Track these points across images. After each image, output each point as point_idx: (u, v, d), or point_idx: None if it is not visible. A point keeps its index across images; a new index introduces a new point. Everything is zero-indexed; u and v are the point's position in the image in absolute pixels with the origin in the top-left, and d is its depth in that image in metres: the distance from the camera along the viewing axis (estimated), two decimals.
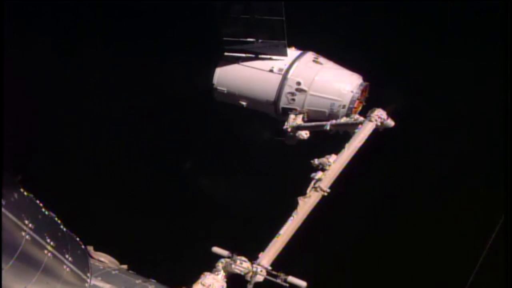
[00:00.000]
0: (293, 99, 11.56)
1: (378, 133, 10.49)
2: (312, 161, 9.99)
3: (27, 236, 6.83)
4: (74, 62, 14.08)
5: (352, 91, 11.35)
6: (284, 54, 11.74)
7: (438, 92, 13.48)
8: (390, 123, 10.55)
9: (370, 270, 13.84)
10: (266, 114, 12.13)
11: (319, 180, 9.55)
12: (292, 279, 8.24)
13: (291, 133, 11.72)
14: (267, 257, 8.62)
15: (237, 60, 11.99)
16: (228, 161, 15.06)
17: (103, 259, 9.84)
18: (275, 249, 8.77)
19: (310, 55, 11.90)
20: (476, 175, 13.23)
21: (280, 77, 11.62)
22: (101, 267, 9.36)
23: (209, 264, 8.69)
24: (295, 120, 11.65)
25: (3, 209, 6.44)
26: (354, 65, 11.78)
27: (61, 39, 13.98)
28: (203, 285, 8.38)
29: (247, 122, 13.21)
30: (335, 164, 9.77)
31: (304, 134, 11.59)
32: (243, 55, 11.92)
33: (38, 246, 7.13)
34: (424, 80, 13.57)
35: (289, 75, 11.57)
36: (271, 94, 11.71)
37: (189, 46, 13.99)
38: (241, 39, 11.59)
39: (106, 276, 9.10)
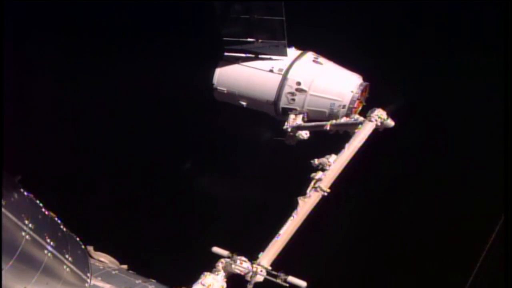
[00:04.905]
0: (293, 99, 11.55)
1: (378, 133, 10.49)
2: (312, 161, 9.99)
3: (27, 236, 6.82)
4: (74, 62, 14.09)
5: (352, 91, 11.35)
6: (284, 54, 11.74)
7: (438, 92, 13.47)
8: (390, 123, 10.54)
9: (370, 270, 13.84)
10: (266, 114, 12.12)
11: (319, 180, 9.55)
12: (292, 279, 8.22)
13: (291, 133, 11.72)
14: (267, 257, 8.62)
15: (237, 60, 11.98)
16: (228, 161, 15.06)
17: (103, 259, 9.85)
18: (275, 249, 8.77)
19: (310, 55, 11.89)
20: (476, 175, 13.22)
21: (280, 77, 11.62)
22: (101, 267, 9.37)
23: (209, 264, 8.68)
24: (295, 120, 11.64)
25: (3, 209, 6.44)
26: (354, 65, 11.77)
27: (61, 40, 13.99)
28: (203, 285, 8.37)
29: (247, 122, 13.21)
30: (335, 164, 9.78)
31: (304, 134, 11.59)
32: (243, 55, 11.92)
33: (38, 246, 7.13)
34: (424, 80, 13.57)
35: (289, 75, 11.57)
36: (271, 94, 11.71)
37: (189, 46, 13.99)
38: (241, 39, 11.58)
39: (106, 276, 9.11)
